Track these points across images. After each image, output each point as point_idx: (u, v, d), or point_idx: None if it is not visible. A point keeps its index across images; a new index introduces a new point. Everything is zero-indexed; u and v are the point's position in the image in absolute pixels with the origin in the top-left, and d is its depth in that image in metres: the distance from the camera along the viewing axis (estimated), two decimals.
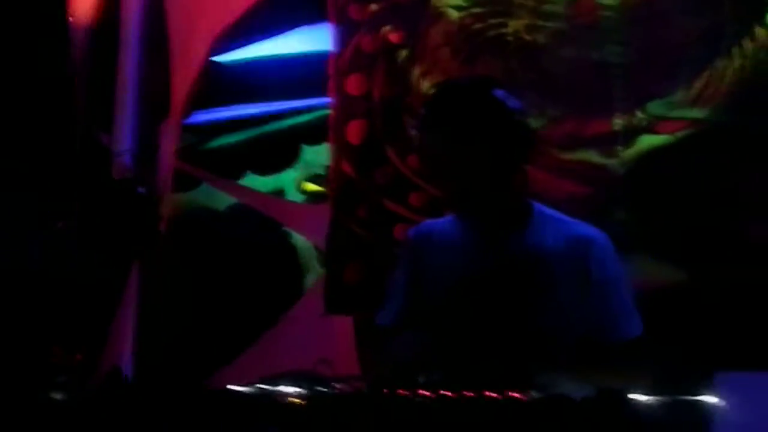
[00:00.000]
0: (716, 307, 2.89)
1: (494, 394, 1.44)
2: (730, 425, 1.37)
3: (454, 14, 3.46)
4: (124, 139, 3.89)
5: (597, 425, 1.44)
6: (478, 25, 3.42)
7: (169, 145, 3.89)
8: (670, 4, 3.12)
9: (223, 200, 4.17)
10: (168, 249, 3.87)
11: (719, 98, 3.03)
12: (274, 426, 1.49)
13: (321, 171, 3.94)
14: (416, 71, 3.51)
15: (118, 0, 4.01)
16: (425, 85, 3.48)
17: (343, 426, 1.52)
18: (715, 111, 3.04)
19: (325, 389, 1.52)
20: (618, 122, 3.15)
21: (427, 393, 1.51)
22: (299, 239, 4.06)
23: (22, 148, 3.83)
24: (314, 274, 3.95)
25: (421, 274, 2.11)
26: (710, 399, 1.35)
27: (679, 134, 3.08)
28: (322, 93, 3.72)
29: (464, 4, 3.45)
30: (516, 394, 1.43)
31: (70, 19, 3.95)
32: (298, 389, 1.60)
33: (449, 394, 1.47)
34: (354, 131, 3.61)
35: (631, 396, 1.46)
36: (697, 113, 3.05)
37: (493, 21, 3.39)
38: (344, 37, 3.66)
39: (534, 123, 3.22)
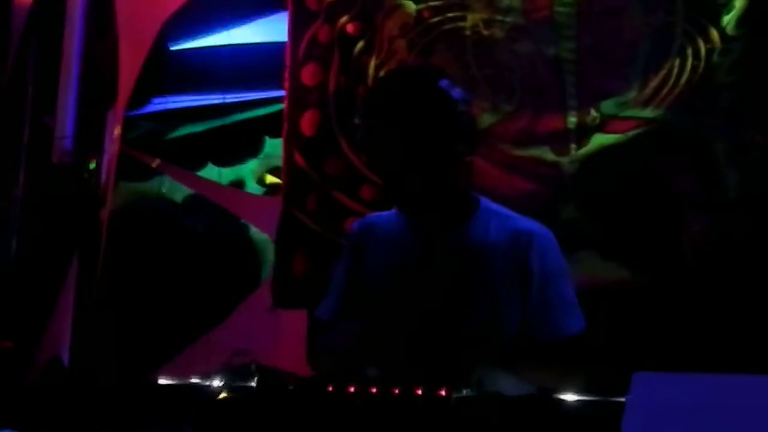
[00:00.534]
0: (662, 306, 2.88)
1: (420, 392, 1.39)
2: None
3: (412, 6, 3.42)
4: (66, 123, 3.80)
5: (526, 424, 1.39)
6: (435, 18, 3.38)
7: (114, 131, 3.81)
8: (624, 2, 3.09)
9: (182, 191, 4.11)
10: (115, 238, 3.80)
11: (672, 99, 3.01)
12: (189, 420, 1.44)
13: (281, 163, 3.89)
14: (372, 63, 3.47)
15: None
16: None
17: (262, 422, 1.47)
18: (667, 111, 3.02)
19: (247, 384, 1.47)
20: (572, 120, 3.12)
21: (354, 389, 1.46)
22: (256, 232, 4.01)
23: None
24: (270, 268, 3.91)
25: (361, 268, 2.06)
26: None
27: (631, 134, 3.06)
28: (280, 84, 3.67)
29: None
30: (443, 392, 1.38)
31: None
32: (222, 384, 1.55)
33: (375, 390, 1.42)
34: (307, 122, 3.56)
35: (563, 396, 1.42)
36: (649, 113, 3.04)
37: (450, 14, 3.35)
38: (301, 27, 3.61)
39: (488, 118, 3.21)
